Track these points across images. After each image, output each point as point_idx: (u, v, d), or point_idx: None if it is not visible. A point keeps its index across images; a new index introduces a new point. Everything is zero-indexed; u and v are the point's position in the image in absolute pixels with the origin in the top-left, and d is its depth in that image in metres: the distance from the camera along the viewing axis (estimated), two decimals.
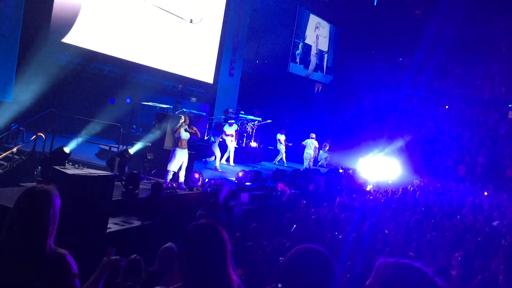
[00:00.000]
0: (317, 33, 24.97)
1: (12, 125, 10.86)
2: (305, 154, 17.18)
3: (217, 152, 13.54)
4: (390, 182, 16.80)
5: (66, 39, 12.97)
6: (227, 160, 14.54)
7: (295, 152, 18.26)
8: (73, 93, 12.99)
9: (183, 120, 9.54)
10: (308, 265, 1.92)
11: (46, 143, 10.21)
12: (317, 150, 18.10)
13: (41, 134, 10.24)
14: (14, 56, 11.73)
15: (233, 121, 14.88)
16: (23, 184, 7.94)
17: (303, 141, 17.39)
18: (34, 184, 7.72)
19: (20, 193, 2.29)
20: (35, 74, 12.06)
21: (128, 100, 13.83)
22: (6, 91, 11.59)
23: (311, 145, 17.21)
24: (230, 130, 14.34)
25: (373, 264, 1.67)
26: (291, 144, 17.61)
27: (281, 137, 17.16)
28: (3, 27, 11.37)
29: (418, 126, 24.20)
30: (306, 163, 17.08)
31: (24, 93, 11.66)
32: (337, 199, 10.11)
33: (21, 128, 10.86)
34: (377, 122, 23.60)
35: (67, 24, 12.93)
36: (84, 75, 13.88)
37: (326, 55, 25.88)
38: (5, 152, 9.74)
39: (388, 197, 12.52)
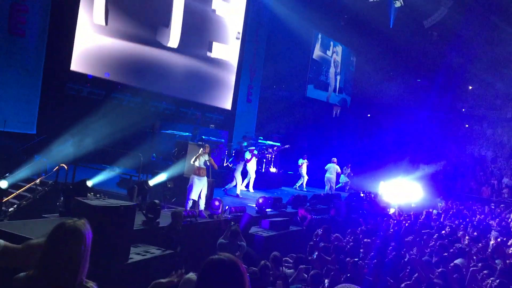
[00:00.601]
0: (333, 56, 25.10)
1: (35, 156, 11.05)
2: (326, 179, 17.22)
3: (239, 179, 13.53)
4: (413, 205, 16.52)
5: (87, 71, 13.30)
6: (247, 186, 14.52)
7: (315, 177, 18.18)
8: (94, 124, 13.19)
9: (203, 149, 9.59)
10: None
11: (68, 173, 10.36)
12: (338, 175, 18.00)
13: (63, 165, 10.40)
14: (37, 89, 12.06)
15: (253, 147, 14.95)
16: (45, 215, 8.03)
17: (325, 165, 17.42)
18: (57, 215, 7.82)
19: (52, 228, 2.30)
20: (57, 106, 12.35)
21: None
22: (29, 123, 11.87)
23: (332, 169, 17.21)
24: (249, 156, 14.37)
25: None
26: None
27: (303, 162, 17.18)
28: (27, 61, 11.74)
29: (440, 148, 23.88)
30: (327, 188, 17.06)
31: (47, 125, 11.91)
32: (359, 228, 9.96)
33: (43, 159, 11.05)
34: (398, 144, 23.39)
35: (88, 57, 13.27)
36: (105, 106, 14.13)
37: (339, 77, 25.90)
38: (28, 184, 9.90)
39: (411, 221, 12.29)
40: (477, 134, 26.22)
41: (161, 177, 10.00)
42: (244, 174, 14.27)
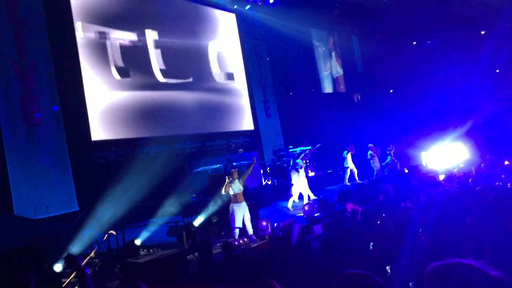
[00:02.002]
0: (331, 46, 24.95)
1: (84, 231, 11.36)
2: (372, 165, 17.21)
3: (295, 193, 13.45)
4: (461, 165, 16.04)
5: (108, 137, 13.69)
6: (300, 197, 14.30)
7: (360, 167, 18.02)
8: (129, 183, 13.50)
9: (229, 177, 9.70)
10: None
11: (119, 238, 10.59)
12: (377, 158, 17.69)
13: (112, 231, 10.65)
14: (67, 168, 12.47)
15: (303, 154, 14.99)
16: (108, 284, 8.22)
17: (367, 153, 17.35)
18: (117, 282, 7.99)
19: None
20: (91, 178, 12.70)
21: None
22: (70, 202, 12.26)
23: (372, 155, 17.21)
24: (302, 163, 14.30)
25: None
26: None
27: (348, 155, 17.07)
28: (50, 146, 12.18)
29: (471, 102, 23.14)
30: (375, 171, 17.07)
31: (86, 198, 12.26)
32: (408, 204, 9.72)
33: (92, 231, 11.33)
34: (429, 111, 22.82)
35: (104, 123, 13.67)
36: (134, 164, 14.46)
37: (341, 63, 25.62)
38: (84, 259, 10.15)
39: (462, 181, 11.93)
40: (505, 75, 25.33)
41: (204, 214, 10.10)
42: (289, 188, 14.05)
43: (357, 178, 17.02)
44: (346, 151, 16.96)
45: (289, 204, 13.30)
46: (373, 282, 1.87)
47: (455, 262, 1.51)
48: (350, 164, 16.98)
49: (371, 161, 17.35)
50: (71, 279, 9.72)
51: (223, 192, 9.65)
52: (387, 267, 5.81)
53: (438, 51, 26.66)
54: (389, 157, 18.74)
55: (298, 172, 13.53)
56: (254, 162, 10.62)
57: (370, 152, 17.33)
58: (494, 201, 7.05)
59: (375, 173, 17.01)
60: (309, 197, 13.93)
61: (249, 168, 10.39)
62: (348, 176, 16.99)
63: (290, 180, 13.69)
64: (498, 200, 6.96)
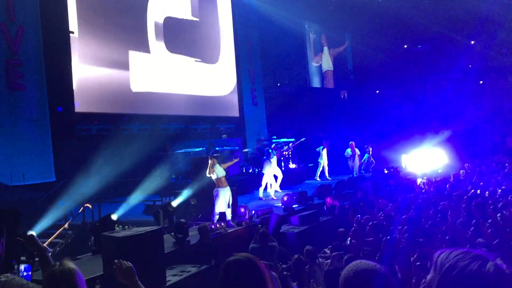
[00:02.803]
0: (324, 41, 24.97)
1: (59, 202, 11.23)
2: (349, 163, 17.27)
3: (265, 181, 13.44)
4: (439, 171, 16.28)
5: (91, 109, 13.49)
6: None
7: (339, 164, 18.09)
8: (109, 159, 13.36)
9: (210, 162, 9.69)
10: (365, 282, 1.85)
11: (94, 212, 10.50)
12: (357, 157, 17.70)
13: (88, 204, 10.55)
14: (48, 137, 12.25)
15: (274, 144, 14.99)
16: (79, 257, 8.15)
17: (345, 151, 17.37)
18: (89, 255, 7.92)
19: (44, 279, 2.31)
20: (70, 150, 12.51)
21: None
22: (47, 172, 12.07)
23: (349, 153, 17.25)
24: (273, 153, 14.31)
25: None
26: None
27: (323, 151, 16.96)
28: (32, 113, 11.94)
29: (455, 110, 23.50)
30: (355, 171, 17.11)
31: (64, 169, 12.09)
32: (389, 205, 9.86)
33: (68, 203, 11.21)
34: (413, 114, 23.10)
35: (89, 95, 13.46)
36: (116, 139, 14.29)
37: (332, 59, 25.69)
38: (58, 230, 10.05)
39: (440, 186, 12.13)
40: (491, 87, 25.77)
41: (183, 196, 10.06)
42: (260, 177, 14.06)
43: (327, 174, 16.88)
44: (322, 147, 16.86)
45: (260, 193, 13.30)
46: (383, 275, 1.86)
47: (465, 251, 1.51)
48: (324, 160, 16.89)
49: (349, 159, 17.32)
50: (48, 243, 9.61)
51: (207, 174, 9.62)
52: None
53: (427, 56, 26.93)
54: (366, 154, 18.87)
55: (270, 162, 13.58)
56: (237, 160, 10.71)
57: (349, 150, 17.28)
58: (474, 208, 7.19)
59: (355, 172, 17.01)
60: (269, 187, 13.82)
61: (231, 162, 10.48)
62: (319, 171, 16.92)
63: (262, 169, 13.71)
64: (478, 206, 7.09)
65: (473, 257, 1.48)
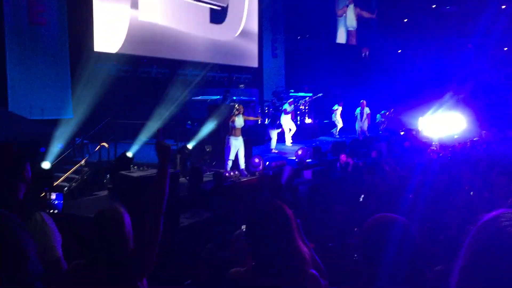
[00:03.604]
0: None
1: (76, 139, 11.38)
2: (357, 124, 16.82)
3: (274, 135, 13.47)
4: (456, 137, 16.10)
5: (111, 49, 13.40)
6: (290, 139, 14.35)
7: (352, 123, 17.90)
8: (127, 100, 13.41)
9: (236, 109, 9.62)
10: (386, 234, 1.86)
11: (110, 151, 10.65)
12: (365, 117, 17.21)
13: (104, 143, 10.70)
14: (67, 74, 12.27)
15: (292, 99, 14.86)
16: (95, 193, 8.35)
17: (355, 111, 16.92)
18: (105, 192, 8.10)
19: (92, 219, 2.38)
20: (89, 88, 12.53)
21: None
22: (66, 108, 12.16)
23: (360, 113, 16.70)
24: (290, 108, 14.24)
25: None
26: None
27: (337, 108, 16.80)
28: (52, 49, 11.91)
29: (478, 75, 22.95)
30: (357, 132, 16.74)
31: (82, 107, 12.16)
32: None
33: (85, 141, 11.36)
34: (434, 77, 22.64)
35: (110, 35, 13.33)
36: (134, 81, 14.27)
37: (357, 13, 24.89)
38: (74, 166, 10.24)
39: (455, 152, 12.03)
40: None
41: (199, 139, 10.14)
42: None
43: (337, 133, 16.77)
44: (336, 105, 16.66)
45: (272, 145, 13.33)
46: (399, 222, 1.87)
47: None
48: (337, 118, 16.72)
49: (357, 119, 16.72)
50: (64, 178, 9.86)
51: (230, 122, 9.56)
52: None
53: (455, 18, 26.07)
54: (378, 115, 18.54)
55: (286, 115, 13.59)
56: (259, 119, 10.73)
57: (359, 109, 16.70)
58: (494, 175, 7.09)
59: (357, 132, 16.50)
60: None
61: (252, 118, 10.48)
62: (336, 129, 16.81)
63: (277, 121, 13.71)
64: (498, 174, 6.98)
65: None
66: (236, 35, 17.57)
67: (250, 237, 2.11)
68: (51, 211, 3.03)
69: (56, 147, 10.13)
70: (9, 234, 1.07)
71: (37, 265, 1.08)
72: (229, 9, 17.12)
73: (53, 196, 3.04)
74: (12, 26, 11.08)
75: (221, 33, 16.93)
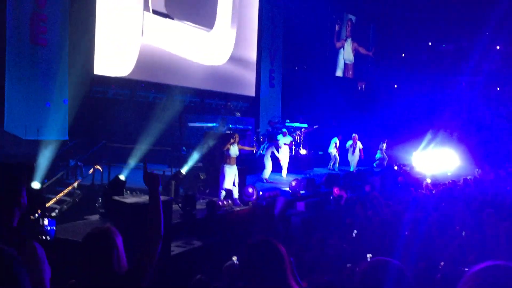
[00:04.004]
0: (352, 31, 24.67)
1: (70, 161, 11.34)
2: (349, 156, 16.82)
3: (268, 164, 13.47)
4: (449, 174, 16.17)
5: (110, 73, 13.50)
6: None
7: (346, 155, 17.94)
8: (123, 124, 13.43)
9: (232, 139, 9.66)
10: (382, 278, 1.86)
11: (104, 175, 10.60)
12: (357, 151, 17.19)
13: (98, 166, 10.65)
14: (65, 96, 12.30)
15: (286, 130, 14.91)
16: (86, 217, 8.26)
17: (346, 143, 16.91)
18: (97, 216, 8.03)
19: (82, 239, 2.35)
20: (85, 110, 12.57)
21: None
22: (61, 130, 12.16)
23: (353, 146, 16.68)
24: (284, 140, 14.28)
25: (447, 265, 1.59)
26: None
27: (336, 142, 16.78)
28: (52, 70, 12.02)
29: (472, 113, 23.26)
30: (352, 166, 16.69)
31: (78, 129, 12.17)
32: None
33: (78, 163, 11.32)
34: (428, 114, 22.88)
35: (110, 59, 13.45)
36: (131, 105, 14.33)
37: (354, 48, 25.34)
38: (66, 188, 10.17)
39: (446, 189, 12.07)
40: (509, 94, 25.44)
41: (192, 163, 10.14)
42: (274, 159, 14.07)
43: (331, 165, 16.79)
44: (336, 138, 16.73)
45: (266, 175, 13.28)
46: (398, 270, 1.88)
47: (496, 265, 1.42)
48: (334, 150, 16.74)
49: (349, 152, 16.69)
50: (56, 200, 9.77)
51: (224, 149, 9.59)
52: (368, 255, 5.90)
53: (450, 57, 26.59)
54: (378, 151, 18.71)
55: (270, 148, 13.60)
56: (254, 149, 10.89)
57: (350, 142, 16.65)
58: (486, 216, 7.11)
59: (351, 166, 16.41)
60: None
61: (247, 148, 10.54)
62: (334, 161, 16.81)
63: (264, 153, 13.73)
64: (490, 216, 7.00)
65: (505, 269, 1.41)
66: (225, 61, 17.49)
67: (243, 274, 2.10)
68: (43, 237, 2.99)
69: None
70: (7, 272, 1.07)
71: None
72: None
73: (46, 221, 2.99)
74: (13, 45, 11.18)
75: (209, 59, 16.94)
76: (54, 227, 3.00)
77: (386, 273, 1.91)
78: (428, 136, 19.69)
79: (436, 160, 17.45)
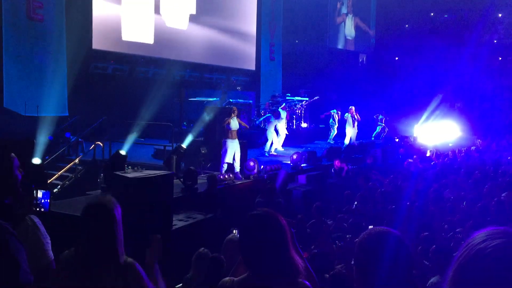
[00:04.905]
0: (353, 7, 24.29)
1: (71, 137, 11.33)
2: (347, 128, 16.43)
3: (272, 137, 13.38)
4: (450, 145, 16.16)
5: (109, 48, 13.36)
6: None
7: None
8: (123, 99, 13.37)
9: (233, 111, 9.61)
10: (381, 248, 1.86)
11: (105, 150, 10.61)
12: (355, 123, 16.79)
13: (99, 142, 10.65)
14: (63, 71, 12.22)
15: (284, 104, 14.83)
16: (89, 192, 8.30)
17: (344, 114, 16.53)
18: (99, 191, 8.06)
19: (82, 209, 2.34)
20: (85, 86, 12.51)
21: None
22: (61, 106, 12.12)
23: (349, 119, 16.31)
24: (284, 114, 14.21)
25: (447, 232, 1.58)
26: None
27: (335, 114, 16.53)
28: (49, 45, 11.87)
29: (474, 84, 23.07)
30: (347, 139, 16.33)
31: (77, 105, 12.12)
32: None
33: (79, 139, 11.32)
34: (430, 85, 22.71)
35: (108, 34, 13.29)
36: (131, 81, 14.24)
37: (357, 20, 24.99)
38: (68, 164, 10.20)
39: (449, 159, 12.09)
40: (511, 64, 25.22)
41: (193, 137, 10.15)
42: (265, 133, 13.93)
43: (332, 138, 16.56)
44: (335, 110, 16.45)
45: (266, 148, 13.26)
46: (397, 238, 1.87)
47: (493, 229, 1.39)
48: (333, 123, 16.48)
49: (347, 124, 16.08)
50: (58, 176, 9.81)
51: (223, 124, 9.56)
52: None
53: (452, 27, 26.22)
54: (379, 126, 18.60)
55: (273, 121, 13.49)
56: (246, 127, 10.90)
57: (348, 114, 16.11)
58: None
59: (349, 139, 15.84)
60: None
61: (243, 124, 10.39)
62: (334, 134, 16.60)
63: (267, 127, 13.65)
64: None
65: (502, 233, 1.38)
66: None
67: (244, 246, 2.10)
68: (38, 209, 3.00)
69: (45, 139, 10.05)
70: (1, 244, 1.06)
71: (28, 274, 1.07)
72: None
73: (40, 194, 2.97)
74: (10, 21, 11.04)
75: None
76: (48, 200, 2.99)
77: (385, 243, 1.90)
78: (431, 107, 19.61)
79: (437, 131, 17.42)
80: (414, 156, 11.62)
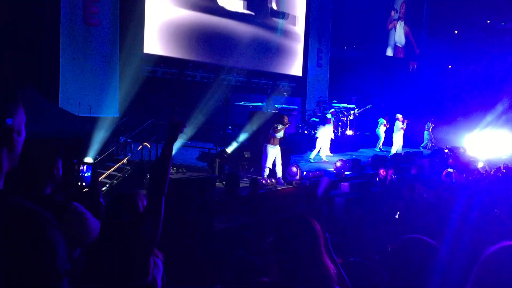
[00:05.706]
0: (405, 14, 23.85)
1: (120, 138, 11.71)
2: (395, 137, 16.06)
3: (321, 145, 13.34)
4: (504, 158, 15.46)
5: (160, 52, 13.76)
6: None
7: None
8: (171, 102, 13.71)
9: (286, 122, 9.65)
10: (415, 255, 1.85)
11: (152, 151, 10.91)
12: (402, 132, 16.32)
13: (147, 144, 10.95)
14: (116, 74, 12.68)
15: (333, 110, 14.79)
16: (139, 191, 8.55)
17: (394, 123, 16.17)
18: (144, 191, 8.29)
19: (110, 198, 2.49)
20: (135, 89, 12.90)
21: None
22: (113, 108, 12.57)
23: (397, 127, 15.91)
24: (331, 120, 14.16)
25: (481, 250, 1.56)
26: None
27: (383, 122, 16.23)
28: (103, 49, 12.35)
29: None
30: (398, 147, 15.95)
31: (128, 107, 12.52)
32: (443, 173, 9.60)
33: (128, 140, 11.68)
34: (483, 94, 21.88)
35: (159, 37, 13.69)
36: (179, 84, 14.57)
37: (407, 29, 24.49)
38: (116, 164, 10.55)
39: (503, 174, 11.58)
40: None
41: (238, 143, 10.26)
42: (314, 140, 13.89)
43: (381, 146, 16.22)
44: (382, 118, 16.16)
45: (312, 155, 13.22)
46: (430, 247, 1.85)
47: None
48: (381, 130, 16.18)
49: (394, 133, 15.77)
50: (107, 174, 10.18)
51: (275, 132, 9.57)
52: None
53: (509, 34, 25.21)
54: (425, 132, 18.12)
55: (321, 127, 13.43)
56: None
57: (397, 122, 15.69)
58: None
59: (397, 148, 15.53)
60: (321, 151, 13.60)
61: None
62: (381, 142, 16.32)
63: (316, 132, 13.60)
64: None
65: None
66: None
67: (277, 249, 2.13)
68: (79, 183, 3.15)
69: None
70: (39, 231, 1.13)
71: (64, 262, 1.14)
72: None
73: (83, 167, 3.09)
74: (67, 25, 11.58)
75: None
76: (91, 172, 3.12)
77: (419, 251, 1.89)
78: (487, 118, 18.88)
79: (490, 143, 16.73)
80: (462, 170, 11.20)
